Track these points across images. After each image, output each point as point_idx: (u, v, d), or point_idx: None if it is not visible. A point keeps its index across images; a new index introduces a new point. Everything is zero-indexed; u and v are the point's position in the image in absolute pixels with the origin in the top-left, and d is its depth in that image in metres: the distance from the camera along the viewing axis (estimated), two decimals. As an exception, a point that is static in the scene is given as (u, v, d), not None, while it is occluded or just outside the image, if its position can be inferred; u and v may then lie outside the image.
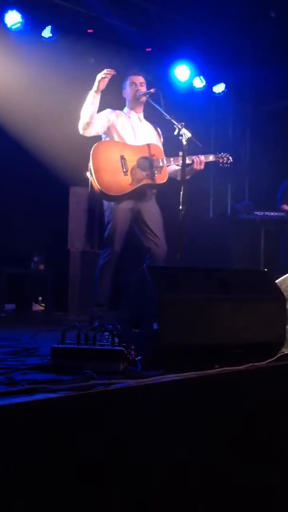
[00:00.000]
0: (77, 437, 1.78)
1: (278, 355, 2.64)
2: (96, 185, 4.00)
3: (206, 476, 2.14)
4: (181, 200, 3.89)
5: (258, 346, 2.70)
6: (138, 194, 4.10)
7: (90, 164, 4.02)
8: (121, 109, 4.36)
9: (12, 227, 6.53)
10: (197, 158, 4.20)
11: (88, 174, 4.05)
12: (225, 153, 4.45)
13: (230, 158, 4.45)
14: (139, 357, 2.31)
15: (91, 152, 4.04)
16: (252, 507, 2.29)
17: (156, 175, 4.14)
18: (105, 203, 4.18)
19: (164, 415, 2.05)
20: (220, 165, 4.46)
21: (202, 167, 4.25)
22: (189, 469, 2.10)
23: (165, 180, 4.19)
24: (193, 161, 4.20)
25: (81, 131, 4.14)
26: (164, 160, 4.17)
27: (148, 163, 4.12)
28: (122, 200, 4.05)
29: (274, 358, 2.59)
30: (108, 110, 4.26)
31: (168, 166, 4.19)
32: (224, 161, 4.44)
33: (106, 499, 1.82)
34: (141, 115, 4.34)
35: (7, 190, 6.45)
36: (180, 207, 3.86)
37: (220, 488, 2.19)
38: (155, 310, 2.46)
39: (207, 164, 4.40)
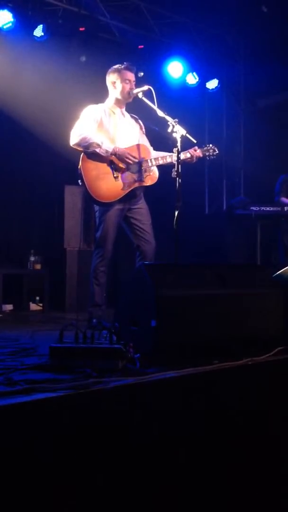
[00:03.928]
0: (77, 435, 1.78)
1: (276, 349, 2.64)
2: (88, 193, 4.02)
3: (206, 473, 2.15)
4: (176, 196, 3.89)
5: (256, 341, 2.70)
6: (128, 196, 4.12)
7: (81, 172, 4.01)
8: (98, 100, 4.32)
9: (8, 227, 6.53)
10: (193, 151, 4.18)
11: (79, 181, 4.05)
12: (210, 145, 4.39)
13: (216, 149, 4.39)
14: (137, 355, 2.31)
15: (80, 161, 4.04)
16: (253, 505, 2.29)
17: (146, 176, 4.15)
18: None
19: (163, 412, 2.05)
20: (207, 158, 4.40)
21: (195, 160, 4.25)
22: (189, 467, 2.10)
23: (155, 181, 4.20)
24: (192, 155, 4.20)
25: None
26: (153, 160, 4.17)
27: (137, 165, 4.13)
28: (114, 205, 4.06)
29: (272, 352, 2.60)
30: (92, 109, 4.18)
31: (157, 165, 4.19)
32: (210, 153, 4.38)
33: (107, 496, 1.83)
34: (124, 109, 4.33)
35: (2, 190, 6.44)
36: (176, 204, 3.86)
37: (219, 485, 2.19)
38: (153, 307, 2.46)
39: (202, 160, 4.39)
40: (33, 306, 6.48)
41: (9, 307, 6.20)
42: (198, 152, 4.24)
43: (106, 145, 4.02)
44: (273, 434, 2.45)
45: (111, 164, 4.06)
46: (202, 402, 2.20)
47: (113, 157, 4.05)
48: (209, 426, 2.20)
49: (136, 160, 4.10)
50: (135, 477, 1.91)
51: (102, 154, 4.01)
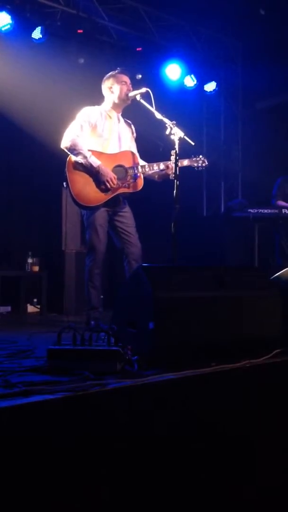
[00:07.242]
0: (75, 438, 1.78)
1: (274, 352, 2.64)
2: (72, 196, 4.05)
3: (205, 474, 2.15)
4: (174, 198, 3.89)
5: (254, 343, 2.70)
6: (113, 201, 4.13)
7: (66, 175, 4.04)
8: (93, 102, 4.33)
9: (6, 229, 6.52)
10: (171, 164, 4.04)
11: (64, 184, 4.07)
12: (200, 156, 4.34)
13: (206, 161, 4.33)
14: (135, 357, 2.31)
15: (66, 164, 4.06)
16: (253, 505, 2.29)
17: (131, 183, 4.15)
18: None
19: (161, 414, 2.05)
20: (196, 169, 4.34)
21: (170, 173, 4.08)
22: (188, 469, 2.10)
23: (140, 188, 4.19)
24: (167, 166, 4.13)
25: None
26: (139, 167, 4.17)
27: (123, 172, 4.13)
28: (98, 209, 4.08)
29: (270, 355, 2.60)
30: (88, 111, 4.18)
31: (143, 173, 4.18)
32: (199, 164, 4.32)
33: (104, 500, 1.82)
34: (120, 114, 4.33)
35: (0, 192, 6.44)
36: (174, 206, 3.86)
37: (218, 486, 2.19)
38: (150, 309, 2.46)
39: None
40: (31, 308, 6.48)
41: (6, 309, 6.19)
42: (171, 166, 4.04)
43: (93, 159, 4.04)
44: (272, 436, 2.45)
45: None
46: (200, 404, 2.20)
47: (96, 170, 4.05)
48: (208, 428, 2.19)
49: (114, 186, 4.07)
50: (134, 479, 1.91)
51: (87, 166, 4.04)
